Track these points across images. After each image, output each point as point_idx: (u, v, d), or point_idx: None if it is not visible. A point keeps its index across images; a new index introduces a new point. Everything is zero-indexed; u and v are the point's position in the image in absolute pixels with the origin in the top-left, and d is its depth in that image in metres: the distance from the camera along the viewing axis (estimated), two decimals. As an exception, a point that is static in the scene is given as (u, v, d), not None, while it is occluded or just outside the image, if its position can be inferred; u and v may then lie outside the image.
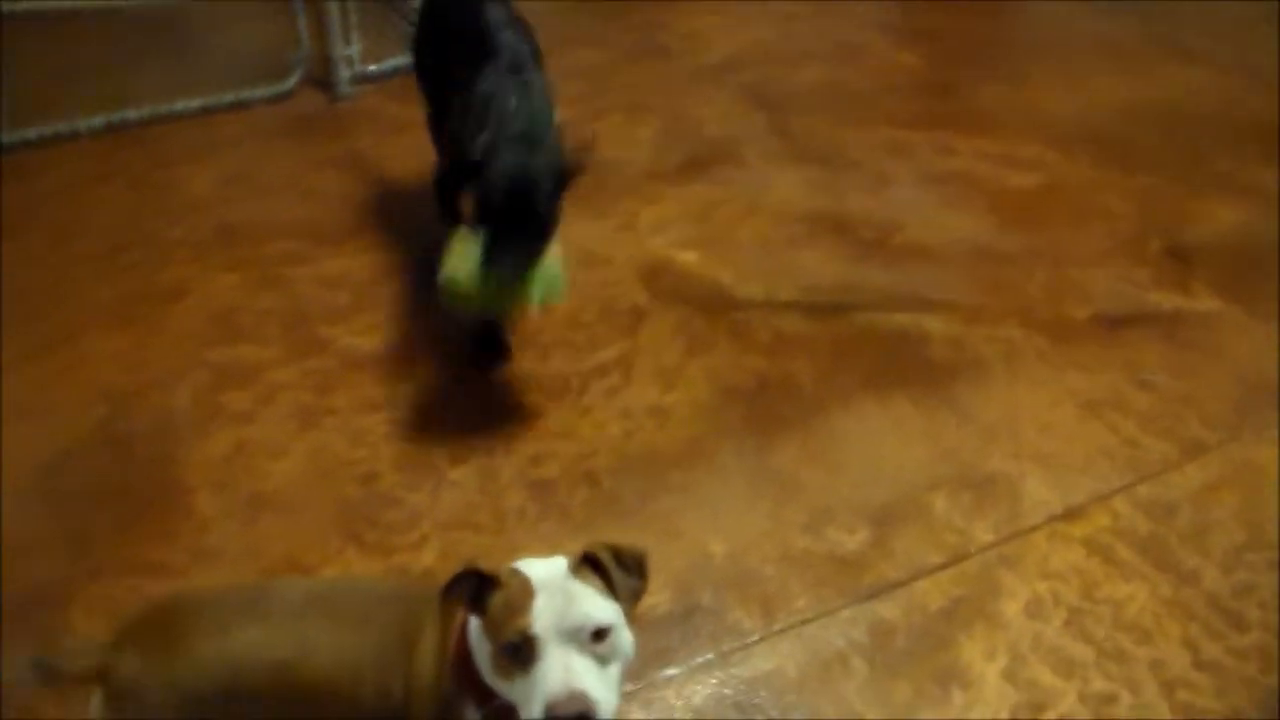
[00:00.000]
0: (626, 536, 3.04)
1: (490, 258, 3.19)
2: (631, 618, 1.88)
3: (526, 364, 3.68)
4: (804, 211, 4.39)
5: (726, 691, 2.73)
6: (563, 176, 3.28)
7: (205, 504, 3.25)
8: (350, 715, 1.97)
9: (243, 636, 1.96)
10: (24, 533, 3.16)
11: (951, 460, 3.34)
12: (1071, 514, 3.18)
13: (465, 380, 3.58)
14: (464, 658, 1.88)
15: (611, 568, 1.86)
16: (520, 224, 3.21)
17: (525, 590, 1.80)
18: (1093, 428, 3.45)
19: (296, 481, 3.29)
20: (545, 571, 1.85)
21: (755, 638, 2.85)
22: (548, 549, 3.03)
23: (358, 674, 1.94)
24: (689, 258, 4.13)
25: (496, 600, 1.82)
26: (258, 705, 1.99)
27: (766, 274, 4.05)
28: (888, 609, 2.92)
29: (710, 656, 2.76)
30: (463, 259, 3.22)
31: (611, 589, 1.85)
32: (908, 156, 4.76)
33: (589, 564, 1.87)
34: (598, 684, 1.74)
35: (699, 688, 2.72)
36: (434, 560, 3.05)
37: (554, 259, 3.31)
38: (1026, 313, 3.90)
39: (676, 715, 2.64)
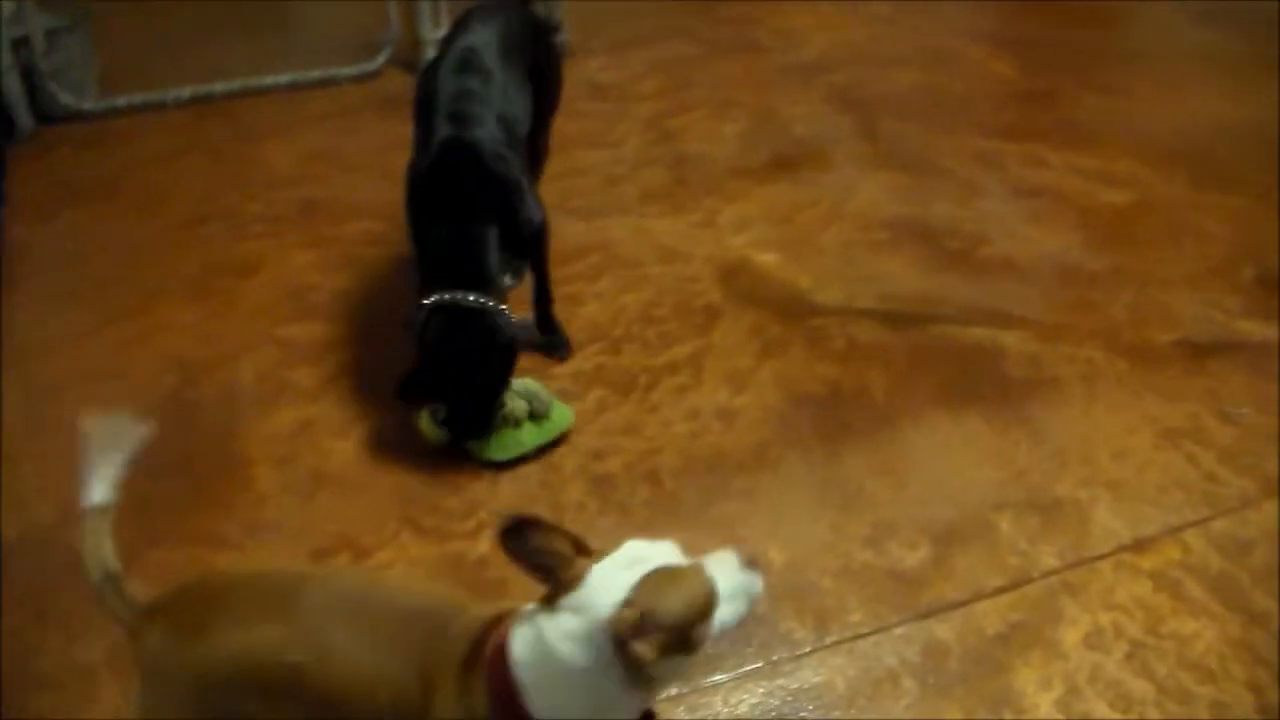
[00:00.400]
0: (685, 538, 3.05)
1: (446, 422, 3.26)
2: None
3: (597, 357, 3.67)
4: (889, 218, 4.34)
5: (773, 702, 2.70)
6: (507, 350, 3.20)
7: (265, 478, 3.28)
8: None
9: (265, 633, 1.92)
10: (89, 495, 3.20)
11: (1021, 482, 3.28)
12: (1141, 545, 3.10)
13: (533, 372, 3.55)
14: (506, 693, 1.78)
15: None
16: (463, 400, 3.21)
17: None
18: (1170, 458, 3.37)
19: (357, 462, 3.31)
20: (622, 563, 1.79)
21: (807, 649, 2.81)
22: (605, 546, 3.04)
23: (373, 692, 1.88)
24: (768, 259, 4.09)
25: (672, 599, 1.73)
26: (272, 702, 1.96)
27: (846, 280, 4.01)
28: (943, 629, 2.87)
29: (759, 665, 2.72)
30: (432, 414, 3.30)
31: None
32: (997, 167, 4.69)
33: None
34: None
35: (746, 696, 2.70)
36: (488, 549, 3.05)
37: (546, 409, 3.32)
38: (1109, 334, 3.82)
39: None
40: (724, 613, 1.77)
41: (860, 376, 3.62)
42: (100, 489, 2.03)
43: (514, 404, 3.26)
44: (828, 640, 2.84)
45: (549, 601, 1.79)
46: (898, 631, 2.86)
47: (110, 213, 4.36)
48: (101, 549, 2.01)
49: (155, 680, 1.98)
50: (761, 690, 2.72)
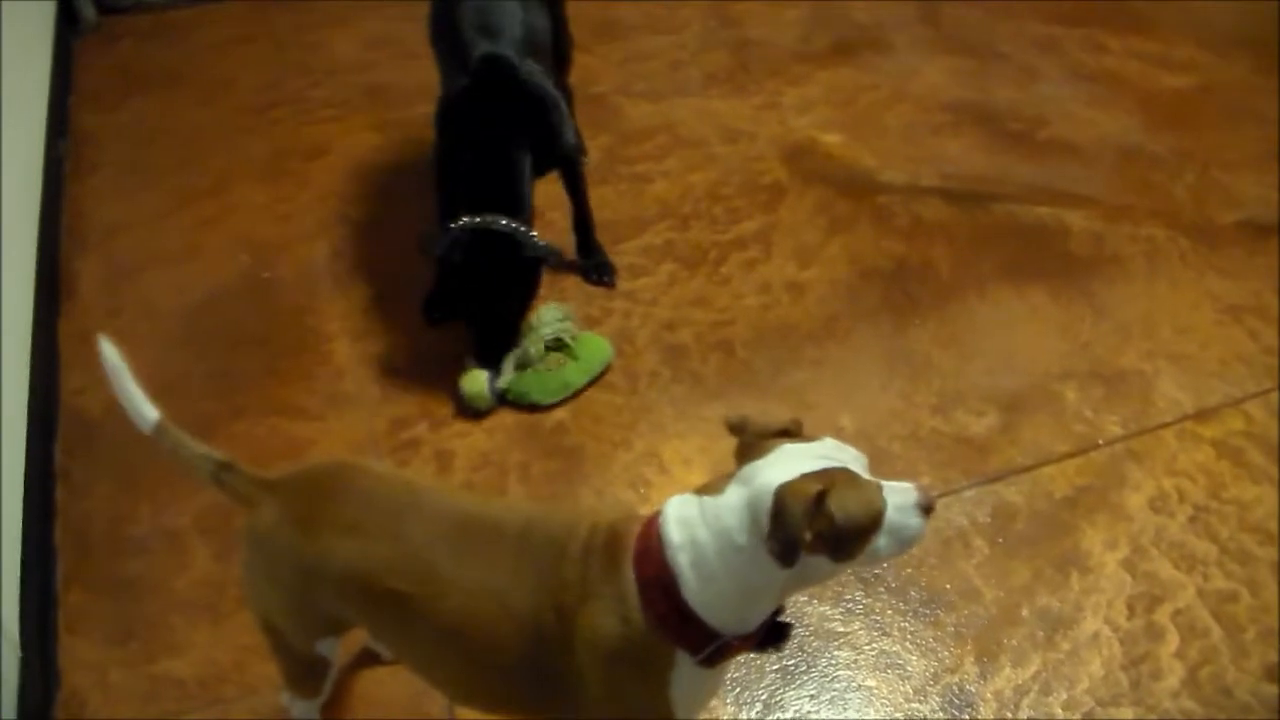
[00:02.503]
0: (757, 405, 3.12)
1: (477, 347, 3.17)
2: None
3: (666, 233, 3.72)
4: (950, 101, 4.34)
5: (848, 561, 2.78)
6: (531, 272, 3.12)
7: (343, 352, 3.35)
8: (489, 665, 1.87)
9: (374, 550, 1.87)
10: (172, 371, 3.28)
11: (1085, 354, 3.33)
12: (1203, 415, 3.16)
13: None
14: (667, 606, 1.72)
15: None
16: (487, 321, 3.15)
17: (857, 480, 1.66)
18: (1232, 332, 3.41)
19: (432, 333, 3.36)
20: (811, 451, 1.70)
21: (879, 511, 2.88)
22: (678, 413, 3.11)
23: (496, 626, 1.81)
24: (832, 139, 4.11)
25: (849, 500, 1.62)
26: (376, 621, 1.96)
27: (910, 160, 4.03)
28: (1012, 493, 2.95)
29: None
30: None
31: None
32: (1058, 52, 4.68)
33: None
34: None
35: (821, 554, 2.77)
36: (565, 415, 3.14)
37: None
38: (1171, 214, 3.84)
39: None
40: (882, 542, 1.68)
41: (925, 252, 3.66)
42: (146, 408, 2.02)
43: (552, 326, 3.20)
44: (899, 502, 2.91)
45: (717, 482, 1.73)
46: (967, 495, 2.94)
47: (177, 101, 4.39)
48: (195, 450, 2.00)
49: (261, 556, 1.98)
50: (835, 548, 2.79)
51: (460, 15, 3.24)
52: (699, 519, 1.70)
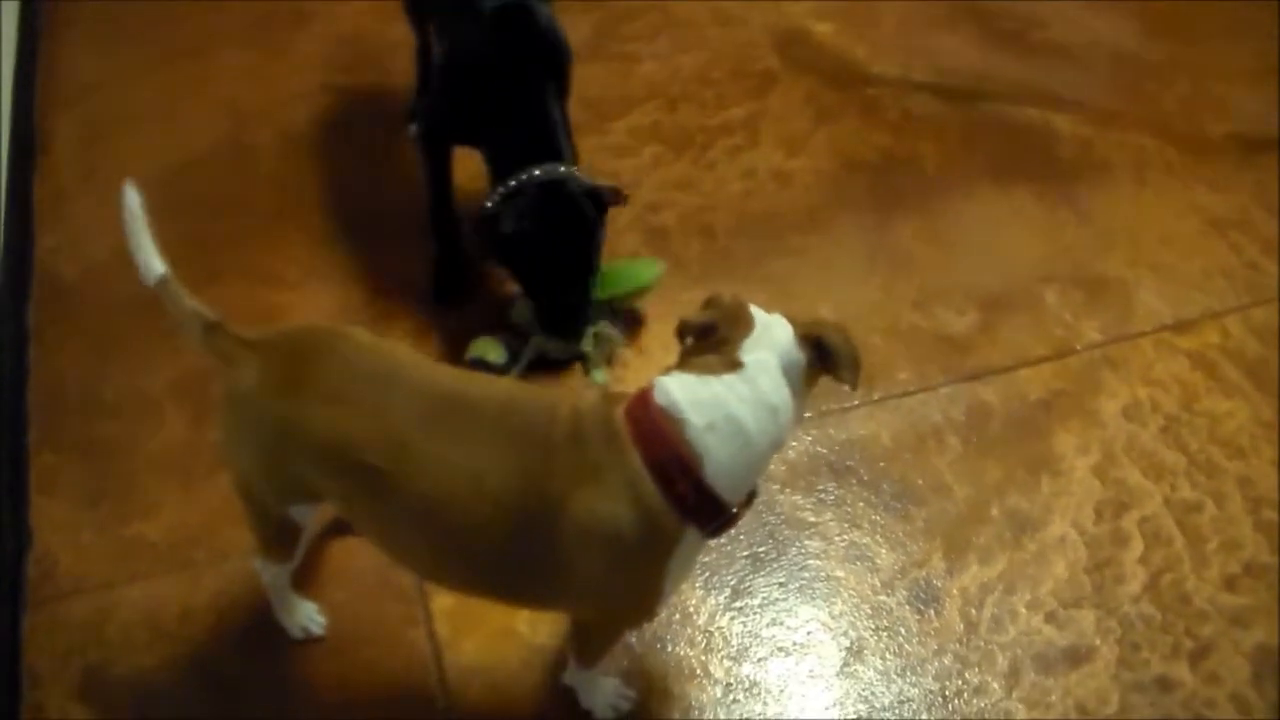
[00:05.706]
0: (737, 290, 3.10)
1: (545, 323, 2.89)
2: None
3: (654, 114, 3.67)
4: (945, -5, 4.28)
5: (821, 450, 2.80)
6: (599, 207, 2.80)
7: (324, 221, 3.33)
8: (461, 548, 1.89)
9: (352, 423, 1.85)
10: (148, 232, 3.25)
11: (1067, 257, 3.33)
12: (1181, 326, 3.16)
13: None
14: (687, 485, 1.78)
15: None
16: (565, 284, 2.84)
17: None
18: (1215, 245, 3.40)
19: (414, 209, 3.32)
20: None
21: (855, 403, 2.90)
22: (658, 295, 3.11)
23: (473, 504, 1.82)
24: (825, 29, 4.04)
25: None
26: (346, 494, 1.95)
27: (902, 53, 3.97)
28: (988, 392, 2.96)
29: (808, 415, 2.78)
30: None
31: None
32: (1056, -49, 4.61)
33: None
34: None
35: (795, 444, 2.80)
36: (544, 298, 3.11)
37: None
38: (1161, 123, 3.80)
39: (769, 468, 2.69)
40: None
41: (913, 147, 3.63)
42: (155, 260, 1.99)
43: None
44: (875, 396, 2.93)
45: (718, 349, 1.86)
46: (943, 391, 2.96)
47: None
48: (189, 306, 1.98)
49: (239, 415, 1.97)
50: (809, 439, 2.82)
51: None
52: (727, 397, 1.79)
